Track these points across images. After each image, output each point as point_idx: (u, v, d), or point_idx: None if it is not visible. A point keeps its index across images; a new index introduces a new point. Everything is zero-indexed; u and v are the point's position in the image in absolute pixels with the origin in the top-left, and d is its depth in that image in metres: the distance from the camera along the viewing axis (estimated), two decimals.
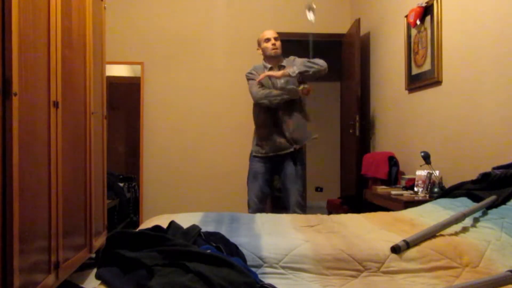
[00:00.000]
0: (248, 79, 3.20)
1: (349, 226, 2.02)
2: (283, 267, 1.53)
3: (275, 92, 3.02)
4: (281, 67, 3.14)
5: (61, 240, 2.33)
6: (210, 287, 1.14)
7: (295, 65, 3.05)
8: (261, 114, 3.12)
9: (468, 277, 1.48)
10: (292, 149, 3.05)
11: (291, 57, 3.21)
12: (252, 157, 3.21)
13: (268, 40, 3.13)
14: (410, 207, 2.47)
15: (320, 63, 3.03)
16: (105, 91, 3.39)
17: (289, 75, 2.97)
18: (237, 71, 4.92)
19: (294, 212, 3.05)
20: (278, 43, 3.12)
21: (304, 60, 3.06)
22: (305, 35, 5.02)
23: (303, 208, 3.14)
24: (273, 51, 3.10)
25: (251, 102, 4.98)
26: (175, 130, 4.91)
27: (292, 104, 3.05)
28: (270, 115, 3.07)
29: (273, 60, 3.15)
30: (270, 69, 3.13)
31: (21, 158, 1.83)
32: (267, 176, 3.16)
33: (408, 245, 1.59)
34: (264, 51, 3.17)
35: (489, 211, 1.89)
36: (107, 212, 3.51)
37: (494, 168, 2.19)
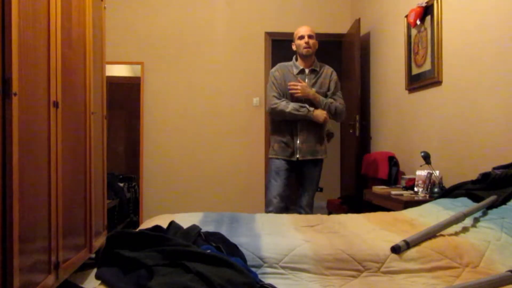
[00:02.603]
0: (270, 82, 3.11)
1: (349, 226, 2.02)
2: (283, 267, 1.53)
3: (289, 109, 2.96)
4: (313, 71, 3.07)
5: (61, 240, 2.33)
6: (210, 287, 1.14)
7: (329, 88, 3.08)
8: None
9: (468, 277, 1.47)
10: (295, 159, 3.03)
11: (325, 66, 3.15)
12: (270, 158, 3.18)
13: (302, 37, 3.04)
14: (410, 207, 2.46)
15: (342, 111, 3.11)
16: (105, 91, 3.39)
17: (318, 102, 2.98)
18: (237, 71, 4.92)
19: (305, 211, 3.07)
20: (312, 42, 3.04)
21: (335, 95, 3.10)
22: None
23: (312, 208, 3.17)
24: (305, 50, 3.02)
25: (251, 102, 5.00)
26: (175, 130, 4.91)
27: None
28: (286, 121, 3.04)
29: (306, 60, 3.07)
30: (301, 71, 3.06)
31: (21, 158, 1.83)
32: (289, 173, 3.08)
33: (408, 245, 1.59)
34: (297, 48, 3.08)
35: (489, 211, 1.89)
36: (107, 212, 3.51)
37: (494, 168, 2.19)
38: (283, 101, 3.00)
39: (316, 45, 3.11)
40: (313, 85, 3.04)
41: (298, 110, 2.96)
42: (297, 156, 3.01)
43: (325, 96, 3.06)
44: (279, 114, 3.01)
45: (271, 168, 3.12)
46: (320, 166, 3.15)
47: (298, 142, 3.01)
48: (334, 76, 3.13)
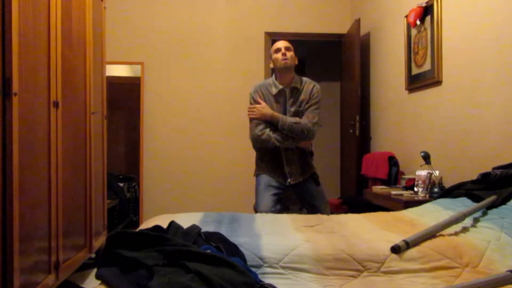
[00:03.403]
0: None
1: (349, 226, 2.02)
2: (283, 267, 1.53)
3: (272, 140, 2.75)
4: (293, 90, 2.81)
5: (61, 240, 2.33)
6: (210, 287, 1.14)
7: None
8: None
9: (468, 277, 1.47)
10: (287, 184, 2.82)
11: (305, 80, 2.89)
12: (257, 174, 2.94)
13: (278, 50, 2.82)
14: (410, 207, 2.46)
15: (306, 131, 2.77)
16: (105, 91, 3.39)
17: (277, 120, 2.73)
18: (237, 71, 4.93)
19: None
20: (289, 54, 2.80)
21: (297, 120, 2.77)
22: (305, 35, 5.03)
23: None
24: (283, 61, 2.77)
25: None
26: (175, 130, 4.91)
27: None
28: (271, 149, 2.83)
29: (284, 76, 2.82)
30: (281, 91, 2.81)
31: (21, 158, 1.83)
32: (279, 191, 2.84)
33: (408, 245, 1.59)
34: (274, 63, 2.85)
35: (489, 211, 1.89)
36: (107, 212, 3.51)
37: (494, 168, 2.19)
38: (267, 128, 2.77)
39: (295, 60, 2.85)
40: (292, 105, 2.81)
41: (282, 143, 2.76)
42: (289, 180, 2.82)
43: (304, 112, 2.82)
44: (263, 143, 2.79)
45: (259, 184, 2.86)
46: (318, 180, 2.95)
47: (286, 167, 2.82)
48: (315, 90, 2.84)
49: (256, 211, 2.87)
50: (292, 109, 2.81)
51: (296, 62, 2.88)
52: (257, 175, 2.93)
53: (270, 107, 2.81)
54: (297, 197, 2.98)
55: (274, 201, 2.80)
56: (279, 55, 2.81)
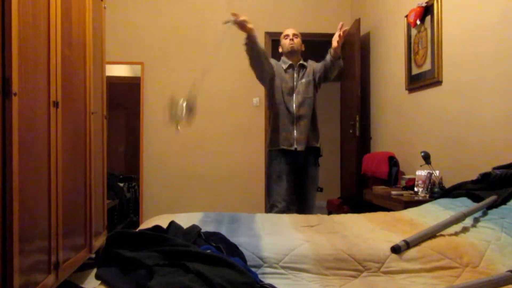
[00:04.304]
0: None
1: (349, 226, 2.02)
2: (283, 267, 1.53)
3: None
4: (301, 66, 3.15)
5: (61, 240, 2.33)
6: (210, 287, 1.14)
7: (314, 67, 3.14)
8: (277, 106, 3.08)
9: (468, 277, 1.47)
10: (293, 149, 3.01)
11: (310, 61, 3.22)
12: (271, 156, 3.11)
13: (286, 36, 3.20)
14: (410, 207, 2.47)
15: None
16: (105, 91, 3.39)
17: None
18: (237, 71, 4.92)
19: (309, 211, 3.07)
20: (296, 40, 3.17)
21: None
22: (305, 35, 5.02)
23: (313, 210, 3.16)
24: (290, 45, 3.14)
25: (251, 102, 5.01)
26: (174, 130, 4.90)
27: (308, 108, 3.07)
28: (287, 112, 3.05)
29: (291, 58, 3.15)
30: (290, 65, 3.13)
31: (21, 158, 1.83)
32: (290, 177, 3.05)
33: (408, 245, 1.59)
34: (282, 47, 3.21)
35: (489, 211, 1.89)
36: (107, 212, 3.50)
37: (494, 168, 2.19)
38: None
39: (302, 46, 3.20)
40: (302, 78, 3.12)
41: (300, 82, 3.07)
42: (296, 147, 3.01)
43: (314, 81, 3.12)
44: (252, 43, 3.06)
45: (272, 173, 3.09)
46: (318, 164, 3.17)
47: (296, 133, 3.02)
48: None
49: (269, 197, 3.09)
50: (303, 80, 3.11)
51: (303, 49, 3.22)
52: (269, 151, 3.14)
53: (281, 78, 3.10)
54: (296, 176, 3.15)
55: (287, 190, 3.02)
56: (287, 40, 3.18)
